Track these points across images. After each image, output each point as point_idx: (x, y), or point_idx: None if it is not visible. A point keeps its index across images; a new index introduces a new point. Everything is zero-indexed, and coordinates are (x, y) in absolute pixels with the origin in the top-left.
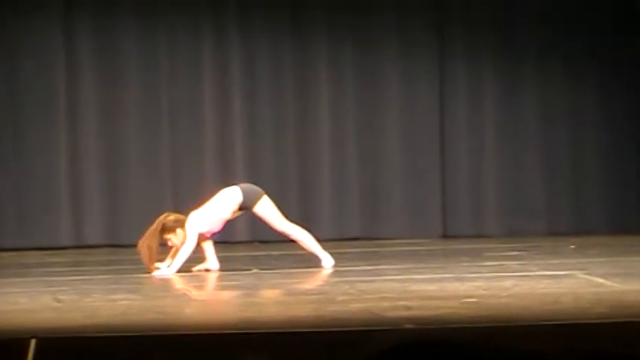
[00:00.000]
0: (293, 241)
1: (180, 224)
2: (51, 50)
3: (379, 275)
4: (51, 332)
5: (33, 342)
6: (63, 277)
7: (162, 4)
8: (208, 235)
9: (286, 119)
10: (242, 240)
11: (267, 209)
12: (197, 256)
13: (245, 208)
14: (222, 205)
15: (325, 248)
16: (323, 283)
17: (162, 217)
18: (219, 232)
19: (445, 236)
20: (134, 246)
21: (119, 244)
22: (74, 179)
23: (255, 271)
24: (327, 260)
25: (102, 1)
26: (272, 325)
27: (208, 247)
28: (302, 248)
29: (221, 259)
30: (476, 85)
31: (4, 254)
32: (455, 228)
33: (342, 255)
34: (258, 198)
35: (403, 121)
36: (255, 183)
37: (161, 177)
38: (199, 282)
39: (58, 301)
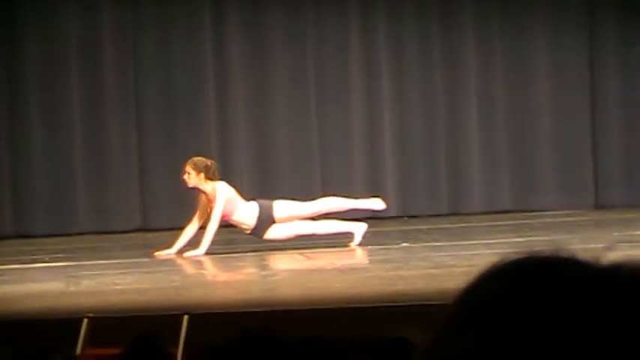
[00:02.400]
0: (328, 214)
1: (208, 174)
2: (199, 37)
3: (531, 247)
4: (203, 308)
5: (185, 318)
6: (215, 254)
7: None
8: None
9: (434, 95)
10: (392, 215)
11: (284, 208)
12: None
13: (266, 219)
14: (240, 205)
15: (476, 221)
16: (472, 255)
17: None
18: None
19: (598, 207)
20: None
21: None
22: (224, 165)
23: (404, 244)
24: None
25: None
26: (422, 298)
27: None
28: (339, 211)
29: (371, 234)
30: (626, 52)
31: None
32: (607, 198)
33: (492, 227)
34: (271, 206)
35: (552, 92)
36: (404, 161)
37: (310, 161)
38: (347, 258)
39: (209, 277)
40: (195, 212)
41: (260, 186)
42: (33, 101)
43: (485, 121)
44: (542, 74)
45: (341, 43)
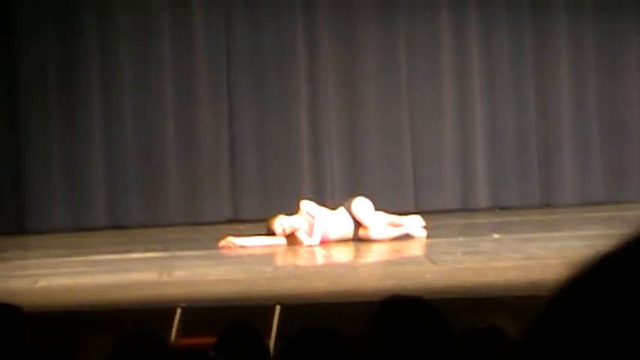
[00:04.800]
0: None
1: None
2: (291, 27)
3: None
4: (294, 299)
5: (278, 308)
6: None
7: None
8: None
9: (525, 84)
10: (482, 207)
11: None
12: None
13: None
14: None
15: (568, 213)
16: (563, 246)
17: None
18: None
19: None
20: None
21: None
22: (314, 151)
23: (495, 236)
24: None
25: None
26: (513, 289)
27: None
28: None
29: (462, 225)
30: None
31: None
32: None
33: (585, 220)
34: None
35: None
36: (493, 149)
37: (400, 145)
38: (437, 248)
39: (299, 268)
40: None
41: (349, 176)
42: (125, 93)
43: (578, 110)
44: (635, 63)
45: (432, 29)
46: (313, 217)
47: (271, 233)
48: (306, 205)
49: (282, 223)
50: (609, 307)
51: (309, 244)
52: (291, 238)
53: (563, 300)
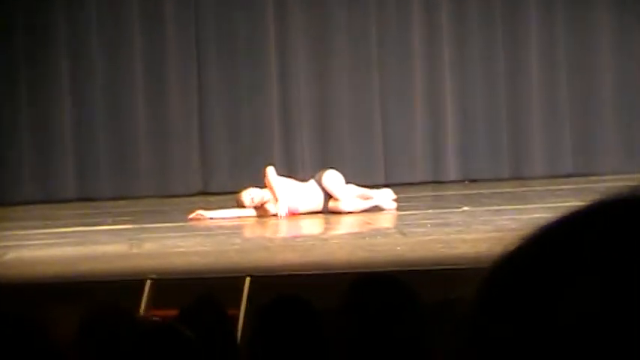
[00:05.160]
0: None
1: None
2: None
3: None
4: (264, 271)
5: (247, 280)
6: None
7: None
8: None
9: (495, 56)
10: (452, 179)
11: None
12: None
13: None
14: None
15: (537, 185)
16: (534, 219)
17: None
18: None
19: None
20: None
21: None
22: (284, 125)
23: (465, 208)
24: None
25: None
26: (484, 261)
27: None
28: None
29: (432, 198)
30: None
31: (219, 197)
32: None
33: (554, 192)
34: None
35: (616, 51)
36: (463, 121)
37: (371, 119)
38: (408, 221)
39: (269, 240)
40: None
41: (320, 149)
42: (95, 66)
43: (548, 83)
44: (605, 33)
45: (402, 4)
46: (273, 188)
47: (241, 206)
48: (271, 176)
49: (251, 194)
50: (550, 275)
51: (277, 214)
52: (261, 210)
53: (509, 264)
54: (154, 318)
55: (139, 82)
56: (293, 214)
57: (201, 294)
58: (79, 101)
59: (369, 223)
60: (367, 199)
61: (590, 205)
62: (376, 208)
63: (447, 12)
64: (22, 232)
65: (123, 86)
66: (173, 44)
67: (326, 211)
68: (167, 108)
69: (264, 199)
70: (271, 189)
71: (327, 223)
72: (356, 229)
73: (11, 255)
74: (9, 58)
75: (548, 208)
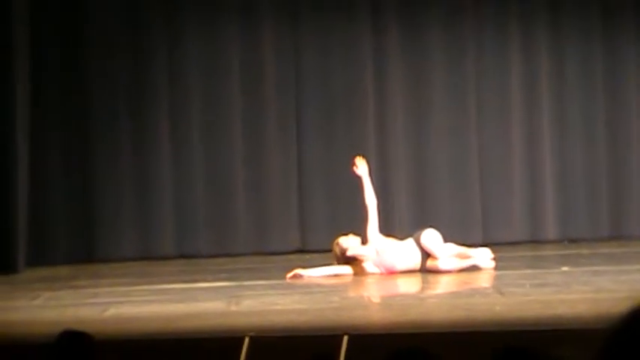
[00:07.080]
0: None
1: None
2: (361, 60)
3: None
4: (361, 329)
5: (345, 338)
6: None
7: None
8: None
9: (595, 115)
10: (551, 239)
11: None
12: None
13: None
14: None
15: (637, 246)
16: (633, 280)
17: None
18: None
19: None
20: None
21: None
22: (381, 184)
23: (564, 269)
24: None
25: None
26: (582, 322)
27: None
28: None
29: (530, 258)
30: None
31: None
32: None
33: None
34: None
35: None
36: (562, 181)
37: (469, 177)
38: (506, 280)
39: (366, 298)
40: None
41: (418, 207)
42: (194, 123)
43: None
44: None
45: (501, 62)
46: (378, 249)
47: (339, 261)
48: (373, 236)
49: (338, 243)
50: None
51: (374, 273)
52: (358, 269)
53: (626, 331)
54: None
55: (238, 139)
56: (391, 273)
57: (319, 352)
58: (179, 158)
59: (467, 283)
60: (465, 258)
61: None
62: (474, 268)
63: (547, 71)
64: (122, 289)
65: (222, 143)
66: (272, 101)
67: (424, 270)
68: (266, 165)
69: (358, 254)
70: (376, 248)
71: (424, 282)
72: (454, 289)
73: (112, 311)
74: (111, 112)
75: None
